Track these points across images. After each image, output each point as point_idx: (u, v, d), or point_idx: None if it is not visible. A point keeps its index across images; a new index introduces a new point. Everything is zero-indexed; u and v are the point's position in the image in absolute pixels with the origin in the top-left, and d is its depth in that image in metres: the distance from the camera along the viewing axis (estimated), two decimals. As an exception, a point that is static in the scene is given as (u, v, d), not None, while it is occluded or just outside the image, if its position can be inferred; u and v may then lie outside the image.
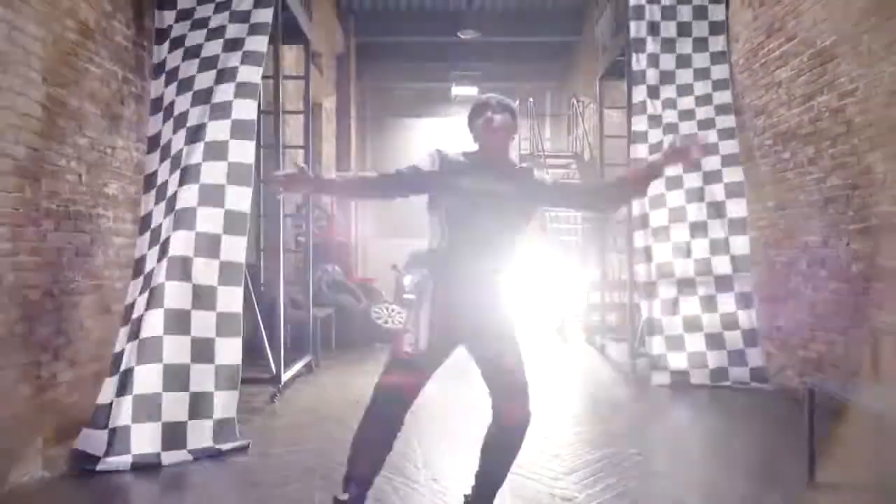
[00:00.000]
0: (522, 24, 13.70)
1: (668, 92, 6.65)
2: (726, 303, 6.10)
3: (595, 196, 3.33)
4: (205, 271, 4.38)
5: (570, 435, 4.56)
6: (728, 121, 6.37)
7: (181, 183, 4.49)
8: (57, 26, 4.12)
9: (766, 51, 6.06)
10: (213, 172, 4.51)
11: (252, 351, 6.54)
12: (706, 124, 6.38)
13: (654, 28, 6.80)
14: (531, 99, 13.74)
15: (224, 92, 4.71)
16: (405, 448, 4.15)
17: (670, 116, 6.57)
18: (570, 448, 4.22)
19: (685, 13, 6.76)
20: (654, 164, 3.04)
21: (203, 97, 4.72)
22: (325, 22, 11.59)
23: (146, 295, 4.23)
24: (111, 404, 3.95)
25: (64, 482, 3.66)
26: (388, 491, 3.44)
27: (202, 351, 4.27)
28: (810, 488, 3.43)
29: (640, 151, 6.60)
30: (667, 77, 6.69)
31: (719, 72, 6.57)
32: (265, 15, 5.03)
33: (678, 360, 6.11)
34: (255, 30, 4.97)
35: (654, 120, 6.65)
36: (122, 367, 4.05)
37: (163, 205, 4.52)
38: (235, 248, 4.52)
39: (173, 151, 4.64)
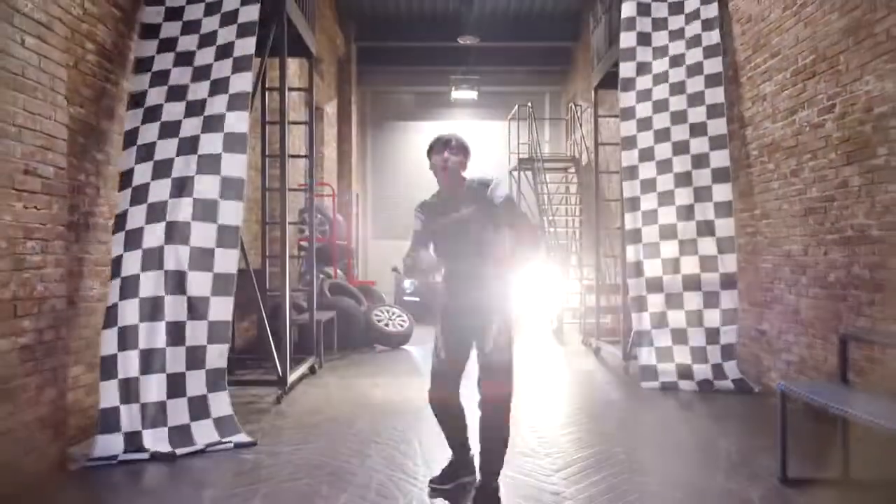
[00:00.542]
0: (521, 29, 13.96)
1: (660, 93, 6.73)
2: (712, 319, 6.26)
3: (521, 231, 3.50)
4: (199, 283, 4.55)
5: (562, 434, 4.80)
6: (720, 125, 6.38)
7: (173, 194, 4.57)
8: (78, 50, 4.37)
9: (753, 65, 6.28)
10: (206, 186, 4.61)
11: (259, 354, 6.81)
12: (699, 129, 6.46)
13: (644, 38, 6.94)
14: (530, 103, 13.96)
15: (217, 104, 4.79)
16: (406, 447, 4.42)
17: (661, 122, 6.66)
18: (562, 447, 4.48)
19: (677, 22, 6.84)
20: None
21: (197, 108, 4.80)
22: (327, 28, 11.80)
23: (136, 301, 4.36)
24: (118, 409, 4.22)
25: (84, 477, 3.92)
26: (390, 486, 3.70)
27: (195, 358, 4.51)
28: (782, 484, 3.69)
29: (632, 158, 6.76)
30: (660, 78, 6.79)
31: (711, 66, 6.53)
32: (252, 13, 5.02)
33: (667, 371, 6.31)
34: (242, 31, 4.98)
35: (644, 123, 6.75)
36: (123, 375, 4.28)
37: (144, 207, 4.54)
38: (228, 260, 4.66)
39: (157, 156, 4.66)
